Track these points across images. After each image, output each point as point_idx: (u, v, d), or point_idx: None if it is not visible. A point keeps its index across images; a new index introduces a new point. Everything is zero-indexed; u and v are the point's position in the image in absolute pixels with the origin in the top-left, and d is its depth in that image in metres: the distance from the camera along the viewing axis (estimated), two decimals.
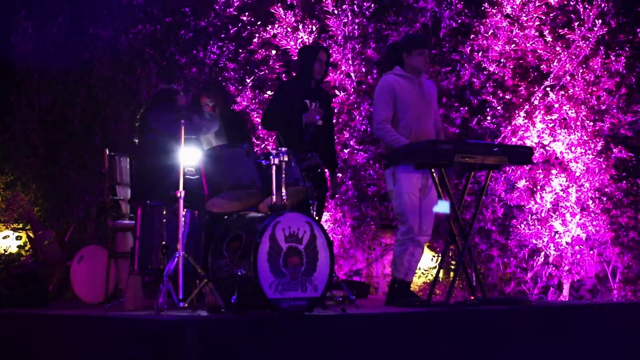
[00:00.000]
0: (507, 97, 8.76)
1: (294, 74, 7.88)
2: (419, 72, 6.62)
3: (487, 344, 5.64)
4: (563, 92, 8.65)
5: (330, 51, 9.13)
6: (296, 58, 8.04)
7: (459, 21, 9.13)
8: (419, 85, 6.63)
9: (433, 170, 6.20)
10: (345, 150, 9.06)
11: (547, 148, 8.63)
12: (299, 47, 9.00)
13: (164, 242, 5.46)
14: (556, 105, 8.62)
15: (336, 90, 9.17)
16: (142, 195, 5.82)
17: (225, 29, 9.56)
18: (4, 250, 8.99)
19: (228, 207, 5.69)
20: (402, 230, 6.50)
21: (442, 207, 6.25)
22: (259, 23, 9.45)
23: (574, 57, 8.63)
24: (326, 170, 6.95)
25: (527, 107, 8.66)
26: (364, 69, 9.20)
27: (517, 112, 8.67)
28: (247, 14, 9.52)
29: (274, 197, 5.45)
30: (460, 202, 6.50)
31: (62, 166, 9.44)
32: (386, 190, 6.78)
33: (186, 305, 5.19)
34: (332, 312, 5.43)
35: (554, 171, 8.55)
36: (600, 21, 8.59)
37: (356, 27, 9.21)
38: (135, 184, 6.37)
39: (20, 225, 9.25)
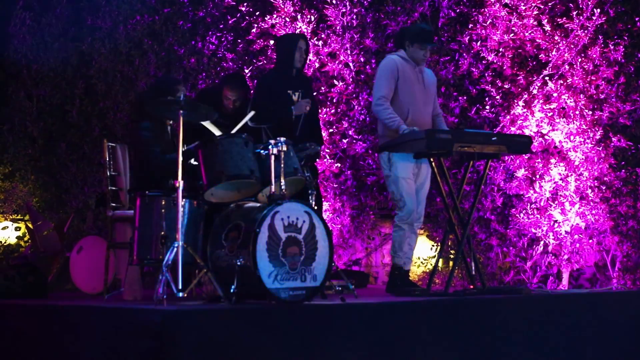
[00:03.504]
0: (506, 86, 8.74)
1: (273, 65, 7.74)
2: (417, 64, 6.68)
3: (487, 332, 5.65)
4: (562, 81, 8.63)
5: (329, 41, 9.13)
6: (274, 48, 7.90)
7: (458, 10, 9.10)
8: (420, 73, 6.72)
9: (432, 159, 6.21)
10: (344, 140, 9.05)
11: (546, 137, 8.61)
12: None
13: (162, 232, 5.45)
14: (555, 95, 8.59)
15: (335, 80, 9.15)
16: (141, 186, 5.81)
17: (223, 19, 9.55)
18: (3, 241, 8.99)
19: (227, 197, 5.68)
20: (400, 215, 6.53)
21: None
22: (257, 13, 9.43)
23: (572, 46, 8.61)
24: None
25: (525, 96, 8.64)
26: (362, 59, 9.18)
27: (515, 101, 8.65)
28: (245, 4, 9.50)
29: (273, 186, 5.44)
30: (459, 192, 6.52)
31: (60, 157, 9.44)
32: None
33: (185, 295, 5.18)
34: (332, 302, 5.43)
35: (553, 160, 8.53)
36: (598, 10, 8.56)
37: (354, 16, 9.19)
38: (134, 174, 6.36)
39: (19, 216, 9.26)
